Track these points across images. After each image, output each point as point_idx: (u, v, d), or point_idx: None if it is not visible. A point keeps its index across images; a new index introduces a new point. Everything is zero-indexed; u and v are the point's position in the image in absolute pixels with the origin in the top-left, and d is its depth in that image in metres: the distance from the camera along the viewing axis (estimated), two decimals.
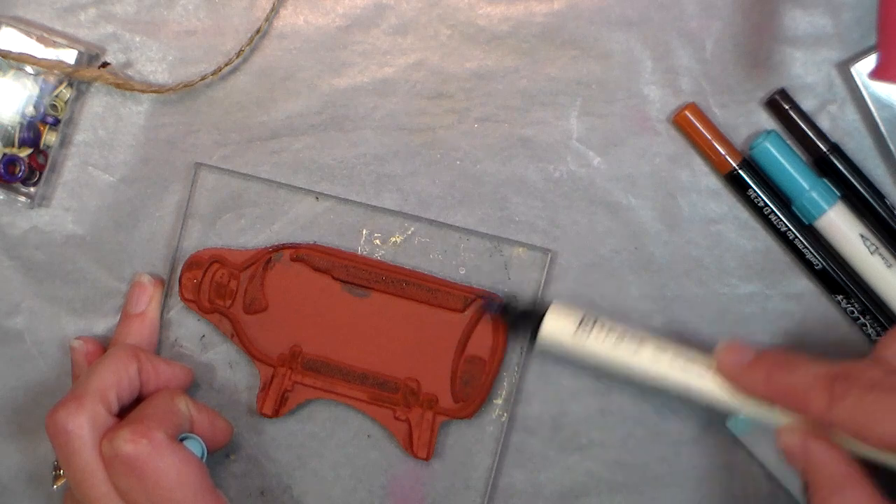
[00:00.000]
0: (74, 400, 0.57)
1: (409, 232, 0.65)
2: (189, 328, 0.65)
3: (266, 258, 0.64)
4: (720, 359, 0.58)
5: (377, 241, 0.65)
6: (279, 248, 0.64)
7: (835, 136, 0.63)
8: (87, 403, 0.57)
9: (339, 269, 0.64)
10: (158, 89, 0.64)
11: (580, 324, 0.59)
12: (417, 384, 0.64)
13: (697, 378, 0.58)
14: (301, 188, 0.64)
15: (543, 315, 0.59)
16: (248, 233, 0.65)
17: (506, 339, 0.64)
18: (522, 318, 0.61)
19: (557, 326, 0.59)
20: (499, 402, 0.64)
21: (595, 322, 0.59)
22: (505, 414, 0.64)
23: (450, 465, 0.65)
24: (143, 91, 0.64)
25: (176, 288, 0.65)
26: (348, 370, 0.64)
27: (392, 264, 0.64)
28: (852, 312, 0.63)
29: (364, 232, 0.65)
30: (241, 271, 0.64)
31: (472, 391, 0.64)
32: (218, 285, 0.64)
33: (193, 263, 0.64)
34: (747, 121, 0.63)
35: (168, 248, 0.65)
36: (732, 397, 0.58)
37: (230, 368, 0.65)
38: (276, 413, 0.64)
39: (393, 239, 0.65)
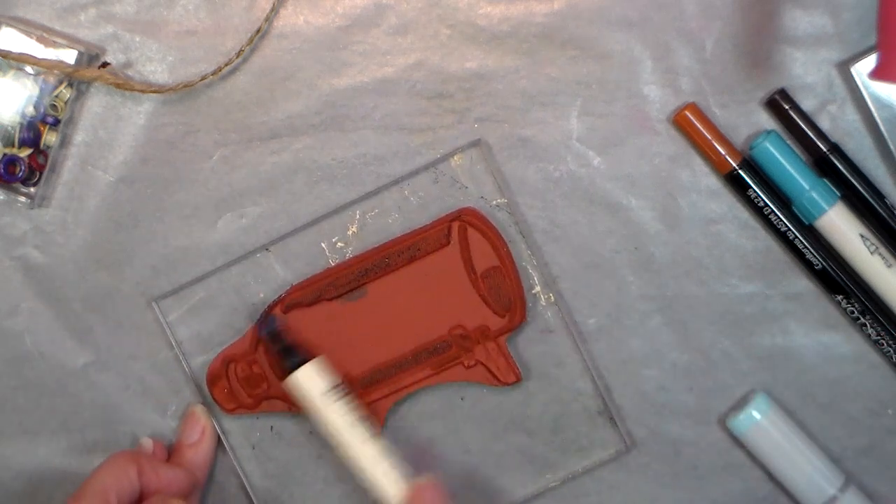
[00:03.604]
0: (74, 501, 0.58)
1: (357, 215, 0.64)
2: (256, 431, 0.65)
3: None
4: (410, 496, 0.59)
5: (339, 244, 0.65)
6: (268, 312, 0.64)
7: (835, 136, 0.63)
8: None
9: (327, 289, 0.64)
10: (158, 89, 0.64)
11: (330, 390, 0.61)
12: (462, 328, 0.64)
13: (384, 494, 0.60)
14: (251, 252, 0.64)
15: (302, 361, 0.61)
16: (239, 317, 0.65)
17: (499, 235, 0.63)
18: (285, 353, 0.62)
19: (309, 380, 0.61)
20: (538, 289, 0.64)
21: (344, 397, 0.61)
22: (550, 294, 0.64)
23: (448, 464, 0.65)
24: (143, 91, 0.64)
25: (216, 408, 0.65)
26: (399, 361, 0.64)
27: (365, 252, 0.64)
28: (852, 312, 0.63)
29: (323, 245, 0.65)
30: (253, 353, 0.64)
31: (508, 296, 0.64)
32: (246, 378, 0.64)
33: (214, 377, 0.64)
34: (747, 121, 0.63)
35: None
36: None
37: (311, 434, 0.65)
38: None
39: (350, 232, 0.65)
